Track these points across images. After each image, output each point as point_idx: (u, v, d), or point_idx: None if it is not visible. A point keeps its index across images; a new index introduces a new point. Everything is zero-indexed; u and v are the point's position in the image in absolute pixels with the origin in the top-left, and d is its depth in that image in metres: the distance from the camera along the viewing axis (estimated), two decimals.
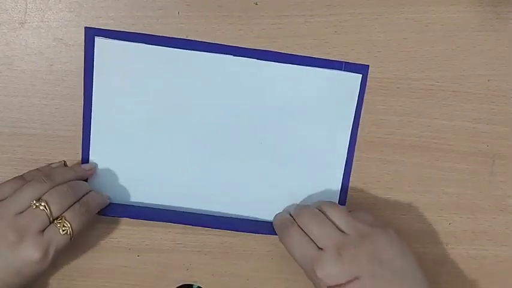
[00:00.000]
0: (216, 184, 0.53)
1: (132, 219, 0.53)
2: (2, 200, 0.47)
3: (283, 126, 0.52)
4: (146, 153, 0.52)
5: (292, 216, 0.50)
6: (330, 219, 0.48)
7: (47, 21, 0.50)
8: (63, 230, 0.46)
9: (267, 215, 0.54)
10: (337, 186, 0.54)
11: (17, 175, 0.51)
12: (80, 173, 0.51)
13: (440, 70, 0.52)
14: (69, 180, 0.49)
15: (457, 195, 0.55)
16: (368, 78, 0.52)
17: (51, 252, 0.46)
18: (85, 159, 0.52)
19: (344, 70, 0.51)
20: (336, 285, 0.45)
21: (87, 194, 0.50)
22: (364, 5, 0.51)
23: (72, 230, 0.46)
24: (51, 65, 0.50)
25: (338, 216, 0.48)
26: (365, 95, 0.52)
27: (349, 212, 0.49)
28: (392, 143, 0.54)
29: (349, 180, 0.54)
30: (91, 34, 0.50)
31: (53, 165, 0.52)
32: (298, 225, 0.48)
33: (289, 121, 0.52)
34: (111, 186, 0.53)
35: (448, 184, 0.54)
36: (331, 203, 0.50)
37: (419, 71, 0.52)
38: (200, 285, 0.55)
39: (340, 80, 0.52)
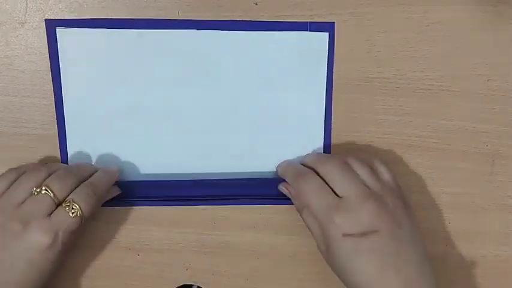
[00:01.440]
0: (196, 159, 0.53)
1: (132, 219, 0.53)
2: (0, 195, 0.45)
3: (257, 93, 0.52)
4: (125, 138, 0.52)
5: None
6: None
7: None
8: (72, 212, 0.44)
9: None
10: (319, 145, 0.53)
11: None
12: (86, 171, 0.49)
13: (440, 70, 0.52)
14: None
15: (457, 195, 0.55)
16: (368, 78, 0.52)
17: (61, 235, 0.44)
18: (63, 157, 0.52)
19: (310, 30, 0.51)
20: (353, 234, 0.44)
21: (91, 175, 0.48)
22: (364, 5, 0.51)
23: (82, 211, 0.44)
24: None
25: (363, 170, 0.46)
26: (365, 95, 0.52)
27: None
28: (392, 143, 0.54)
29: (330, 138, 0.53)
30: (52, 25, 0.50)
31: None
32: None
33: (263, 88, 0.52)
34: None
35: (448, 184, 0.54)
36: (354, 158, 0.48)
37: (419, 71, 0.52)
38: (200, 285, 0.55)
39: (308, 40, 0.51)
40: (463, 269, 0.56)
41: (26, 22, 0.50)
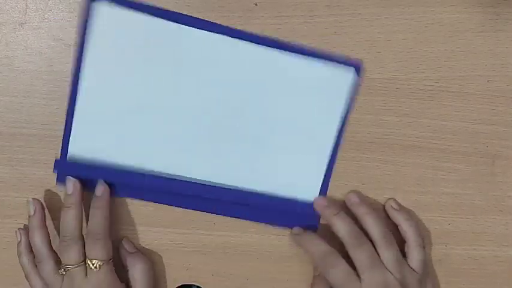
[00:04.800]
0: (204, 167, 0.53)
1: (132, 220, 0.53)
2: None
3: (270, 112, 0.52)
4: (128, 139, 0.52)
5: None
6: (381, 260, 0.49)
7: (47, 22, 0.50)
8: (95, 267, 0.49)
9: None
10: (321, 174, 0.53)
11: (17, 175, 0.51)
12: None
13: (440, 70, 0.52)
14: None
15: (457, 196, 0.55)
16: (368, 79, 0.52)
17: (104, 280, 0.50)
18: (64, 156, 0.51)
19: (338, 63, 0.51)
20: None
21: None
22: (364, 5, 0.51)
23: (100, 260, 0.50)
24: (51, 65, 0.51)
25: (389, 256, 0.49)
26: (365, 95, 0.52)
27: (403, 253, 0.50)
28: (392, 143, 0.54)
29: (332, 169, 0.53)
30: None
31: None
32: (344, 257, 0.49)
33: (276, 108, 0.52)
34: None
35: (448, 184, 0.54)
36: (388, 241, 0.50)
37: (419, 71, 0.52)
38: (200, 285, 0.55)
39: (333, 73, 0.51)
40: (463, 269, 0.56)
41: (25, 22, 0.50)
